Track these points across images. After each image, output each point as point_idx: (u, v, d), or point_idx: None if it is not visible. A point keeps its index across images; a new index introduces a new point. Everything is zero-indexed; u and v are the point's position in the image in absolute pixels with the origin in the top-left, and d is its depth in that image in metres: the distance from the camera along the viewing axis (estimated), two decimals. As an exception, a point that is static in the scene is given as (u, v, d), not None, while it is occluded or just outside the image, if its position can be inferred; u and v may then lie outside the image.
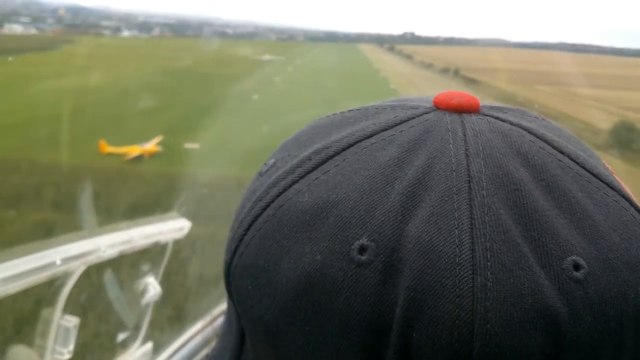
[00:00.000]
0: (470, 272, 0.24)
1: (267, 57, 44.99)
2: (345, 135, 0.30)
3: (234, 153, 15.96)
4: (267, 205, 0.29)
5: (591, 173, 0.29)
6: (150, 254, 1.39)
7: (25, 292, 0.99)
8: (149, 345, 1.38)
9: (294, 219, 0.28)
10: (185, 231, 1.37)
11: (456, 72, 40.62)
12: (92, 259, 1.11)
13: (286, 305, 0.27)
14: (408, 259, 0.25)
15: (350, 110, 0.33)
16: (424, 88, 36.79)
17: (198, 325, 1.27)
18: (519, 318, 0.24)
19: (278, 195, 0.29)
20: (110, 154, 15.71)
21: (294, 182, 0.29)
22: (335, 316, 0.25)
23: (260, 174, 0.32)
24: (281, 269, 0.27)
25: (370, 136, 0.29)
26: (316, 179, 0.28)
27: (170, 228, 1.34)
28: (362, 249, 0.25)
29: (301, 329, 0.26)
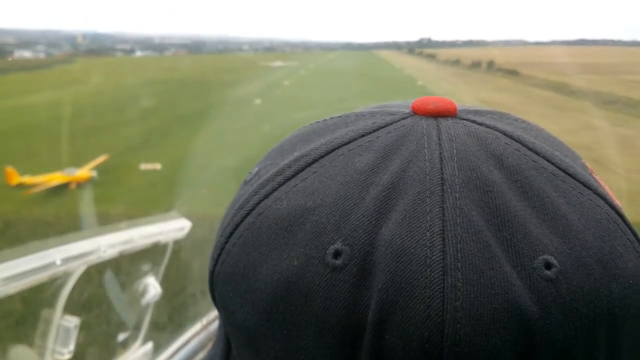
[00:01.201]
0: (440, 273, 0.23)
1: (277, 63, 39.57)
2: (324, 143, 0.29)
3: (207, 175, 10.47)
4: (248, 213, 0.28)
5: (566, 173, 0.28)
6: (150, 254, 1.32)
7: (25, 292, 0.96)
8: (149, 346, 1.37)
9: (273, 226, 0.27)
10: (186, 231, 1.33)
11: (490, 65, 34.62)
12: (92, 259, 1.09)
13: (265, 310, 0.26)
14: (381, 262, 0.24)
15: (332, 117, 0.32)
16: (456, 83, 31.05)
17: (196, 327, 1.24)
18: (489, 317, 0.23)
19: (258, 203, 0.28)
20: (21, 185, 10.25)
21: (274, 189, 0.28)
22: (312, 320, 0.25)
23: (245, 183, 0.32)
24: (260, 275, 0.27)
25: (347, 143, 0.29)
26: (294, 186, 0.28)
27: (171, 228, 1.30)
28: (337, 254, 0.25)
29: (279, 333, 0.26)
